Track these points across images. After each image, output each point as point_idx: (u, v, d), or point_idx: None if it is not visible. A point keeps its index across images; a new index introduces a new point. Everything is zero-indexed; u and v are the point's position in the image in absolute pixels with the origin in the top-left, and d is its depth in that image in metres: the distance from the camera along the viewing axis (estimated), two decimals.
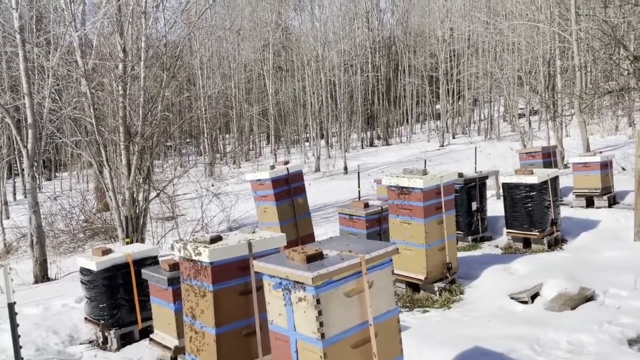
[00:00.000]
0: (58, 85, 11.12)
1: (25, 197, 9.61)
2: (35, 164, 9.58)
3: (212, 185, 16.71)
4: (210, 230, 12.03)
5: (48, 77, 9.87)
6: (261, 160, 32.50)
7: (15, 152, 19.67)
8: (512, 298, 5.78)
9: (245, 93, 35.07)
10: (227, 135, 37.87)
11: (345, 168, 23.85)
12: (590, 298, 5.58)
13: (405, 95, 37.70)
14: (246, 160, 33.57)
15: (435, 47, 32.14)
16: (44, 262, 9.26)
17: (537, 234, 7.67)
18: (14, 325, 4.02)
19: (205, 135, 30.04)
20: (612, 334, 4.59)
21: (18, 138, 9.41)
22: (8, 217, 18.12)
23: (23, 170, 9.62)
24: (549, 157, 12.54)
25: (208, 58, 31.76)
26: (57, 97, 10.45)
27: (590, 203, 10.05)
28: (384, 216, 7.47)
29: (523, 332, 4.75)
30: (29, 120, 9.38)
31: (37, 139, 9.66)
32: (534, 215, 7.70)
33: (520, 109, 28.64)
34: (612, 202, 10.11)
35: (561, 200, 9.25)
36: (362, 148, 34.26)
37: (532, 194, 7.71)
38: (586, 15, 16.10)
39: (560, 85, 17.24)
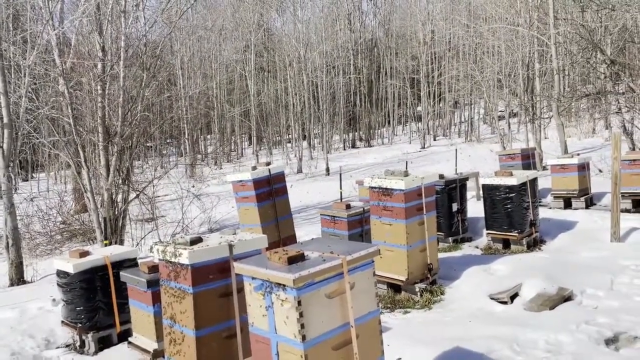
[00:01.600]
0: (35, 84, 10.91)
1: (1, 198, 9.40)
2: (11, 164, 9.39)
3: (193, 187, 16.56)
4: (190, 232, 11.92)
5: (25, 76, 9.68)
6: (243, 161, 32.34)
7: None
8: (492, 298, 5.83)
9: (227, 94, 34.88)
10: (209, 136, 37.62)
11: (327, 169, 23.86)
12: (568, 298, 5.66)
13: (387, 97, 37.89)
14: (228, 161, 33.37)
15: (417, 49, 32.36)
16: (19, 264, 9.06)
17: (517, 235, 7.75)
18: None
19: (186, 135, 29.79)
20: (589, 334, 4.66)
21: None
22: None
23: None
24: (528, 159, 12.73)
25: (189, 58, 31.51)
26: (34, 97, 10.26)
27: (568, 204, 10.20)
28: (366, 217, 7.49)
29: (503, 332, 4.80)
30: (5, 120, 9.18)
31: (13, 139, 9.46)
32: (514, 217, 7.79)
33: (500, 111, 29.03)
34: (589, 203, 10.29)
35: (540, 202, 9.38)
36: (344, 149, 34.33)
37: (511, 195, 7.80)
38: (564, 19, 16.37)
39: (539, 88, 17.50)
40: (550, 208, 10.22)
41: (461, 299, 5.96)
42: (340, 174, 13.44)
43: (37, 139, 12.30)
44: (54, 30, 9.51)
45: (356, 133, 37.62)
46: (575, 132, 22.06)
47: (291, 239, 7.88)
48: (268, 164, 8.18)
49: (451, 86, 32.69)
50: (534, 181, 8.24)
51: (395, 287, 6.34)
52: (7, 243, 9.04)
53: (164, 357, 4.29)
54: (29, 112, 10.34)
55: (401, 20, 37.70)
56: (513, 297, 5.81)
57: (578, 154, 11.09)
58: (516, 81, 19.34)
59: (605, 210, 9.40)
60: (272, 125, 36.48)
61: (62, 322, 5.76)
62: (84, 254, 5.61)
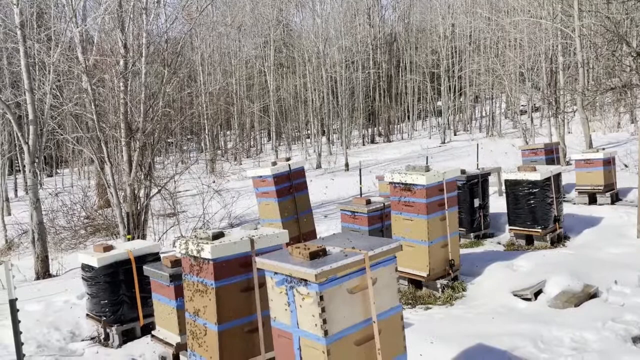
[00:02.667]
0: (59, 81, 11.09)
1: (27, 193, 9.60)
2: (37, 160, 9.56)
3: (214, 182, 16.69)
4: (211, 226, 12.01)
5: (49, 73, 9.84)
6: (262, 157, 32.44)
7: (17, 149, 19.66)
8: (515, 295, 5.76)
9: (247, 89, 35.00)
10: (228, 132, 37.81)
11: (347, 165, 23.81)
12: (593, 295, 5.56)
13: (406, 92, 37.62)
14: (247, 157, 33.52)
15: (437, 43, 32.05)
16: (45, 258, 9.24)
17: (540, 230, 7.64)
18: (15, 322, 4.00)
19: (207, 131, 29.99)
20: (616, 332, 4.57)
21: (19, 134, 9.38)
22: (9, 214, 18.12)
23: (24, 166, 9.61)
24: (552, 154, 12.51)
25: (209, 54, 31.68)
26: (58, 93, 10.42)
27: (593, 200, 10.02)
28: (386, 213, 7.45)
29: (526, 329, 4.73)
30: (30, 117, 9.36)
31: (39, 135, 9.63)
32: (537, 212, 7.67)
33: (522, 105, 28.59)
34: (615, 199, 10.08)
35: (564, 197, 9.23)
36: (364, 145, 34.21)
37: (534, 190, 7.68)
38: (589, 11, 16.02)
39: (563, 81, 17.18)
40: (575, 204, 10.05)
41: (483, 295, 5.90)
42: (360, 169, 13.41)
43: (62, 135, 12.51)
44: (77, 27, 9.65)
45: (375, 128, 37.45)
46: (599, 127, 21.63)
47: (311, 234, 7.90)
48: (288, 159, 8.19)
49: (472, 80, 32.31)
50: (557, 176, 8.11)
51: (416, 283, 6.31)
52: (33, 237, 9.22)
53: (186, 350, 4.33)
54: (53, 108, 10.52)
55: (421, 14, 37.37)
56: (537, 294, 5.72)
57: (603, 149, 10.89)
58: (539, 75, 19.02)
59: (631, 205, 9.21)
60: (291, 121, 36.51)
61: (87, 315, 5.86)
62: (108, 248, 5.69)
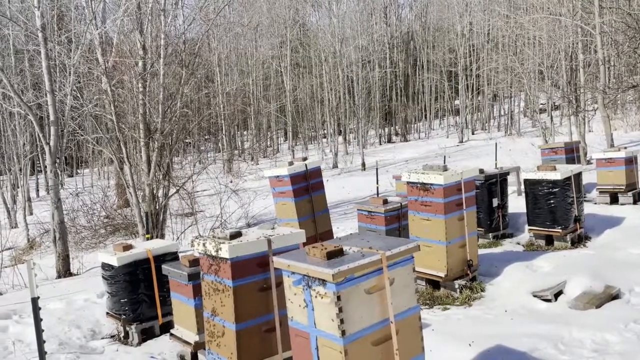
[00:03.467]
0: (79, 82, 11.25)
1: (48, 193, 9.76)
2: (58, 160, 9.72)
3: (231, 182, 16.79)
4: (229, 226, 12.08)
5: (69, 75, 9.98)
6: (279, 156, 32.52)
7: (38, 149, 19.98)
8: (534, 296, 5.69)
9: (263, 90, 35.12)
10: (245, 132, 38.00)
11: (363, 164, 23.75)
12: (615, 296, 5.47)
13: (423, 91, 37.41)
14: (264, 157, 33.64)
15: (454, 42, 31.79)
16: (66, 257, 9.39)
17: (560, 231, 7.53)
18: (37, 320, 4.07)
19: (224, 132, 30.16)
20: (638, 333, 4.49)
21: (41, 135, 9.55)
22: (31, 213, 18.44)
23: (46, 167, 9.77)
24: (572, 153, 12.32)
25: (226, 55, 31.85)
26: (78, 95, 10.56)
27: (614, 199, 9.84)
28: (403, 213, 7.41)
29: (547, 331, 4.67)
30: (51, 118, 9.51)
31: (59, 136, 9.79)
32: (557, 212, 7.56)
33: (542, 104, 28.23)
34: (637, 198, 9.89)
35: (585, 197, 9.07)
36: (380, 144, 34.09)
37: (554, 190, 7.58)
38: (610, 8, 15.75)
39: (583, 79, 16.90)
40: (596, 203, 9.89)
41: (502, 296, 5.84)
42: (377, 169, 13.36)
43: (82, 135, 12.70)
44: (97, 29, 9.77)
45: (392, 127, 37.30)
46: (621, 125, 21.25)
47: (328, 234, 7.89)
48: (304, 159, 8.19)
49: (490, 79, 31.99)
50: (578, 175, 7.99)
51: (433, 284, 6.27)
52: (55, 237, 9.38)
53: (204, 349, 4.36)
54: (73, 109, 10.67)
55: (438, 12, 37.10)
56: (557, 295, 5.64)
57: (625, 148, 10.69)
58: (559, 73, 18.73)
59: None
60: (308, 121, 36.54)
61: (107, 313, 5.94)
62: (128, 247, 5.75)
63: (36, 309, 4.07)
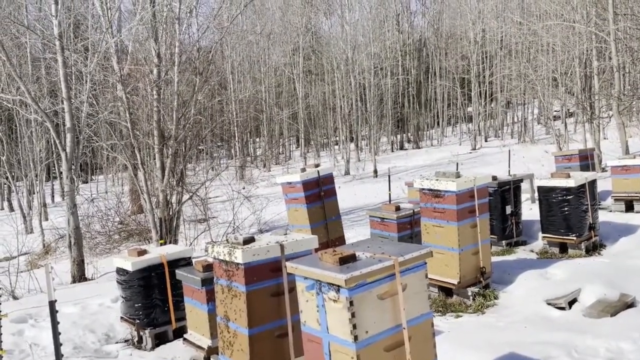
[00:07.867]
0: (95, 90, 11.41)
1: (64, 199, 9.90)
2: (73, 167, 9.85)
3: (243, 188, 16.88)
4: (241, 232, 12.14)
5: (86, 83, 10.14)
6: (291, 163, 32.62)
7: (54, 156, 20.28)
8: (548, 304, 5.64)
9: (276, 97, 35.31)
10: (258, 139, 38.18)
11: (375, 171, 23.73)
12: (630, 305, 5.41)
13: (436, 98, 37.32)
14: (276, 164, 33.76)
15: (467, 49, 31.70)
16: (81, 262, 9.50)
17: (575, 238, 7.47)
18: (54, 323, 4.13)
19: (236, 138, 30.36)
20: None
21: (57, 142, 9.70)
22: (47, 219, 18.67)
23: (61, 173, 9.91)
24: (586, 160, 12.23)
25: (239, 62, 32.11)
26: (94, 102, 10.72)
27: (629, 207, 9.74)
28: (416, 219, 7.41)
29: (560, 339, 4.63)
30: (68, 125, 9.66)
31: (75, 143, 9.93)
32: (571, 220, 7.51)
33: (556, 111, 28.00)
34: None
35: (599, 205, 8.99)
36: (392, 151, 34.05)
37: (569, 197, 7.52)
38: (624, 14, 15.63)
39: (598, 86, 16.77)
40: (611, 211, 9.79)
41: (516, 303, 5.80)
42: (389, 175, 13.36)
43: (97, 142, 12.86)
44: (113, 38, 9.93)
45: (404, 134, 37.24)
46: (636, 132, 21.00)
47: (340, 240, 7.90)
48: (317, 165, 8.23)
49: (503, 86, 31.84)
50: (593, 183, 7.92)
51: (446, 291, 6.24)
52: (70, 242, 9.49)
53: (217, 354, 4.39)
54: (89, 116, 10.83)
55: (451, 19, 37.05)
56: (571, 303, 5.59)
57: None
58: (573, 79, 18.61)
59: None
60: (320, 128, 36.63)
61: (121, 318, 5.99)
62: (142, 252, 5.81)
63: (53, 312, 4.13)
